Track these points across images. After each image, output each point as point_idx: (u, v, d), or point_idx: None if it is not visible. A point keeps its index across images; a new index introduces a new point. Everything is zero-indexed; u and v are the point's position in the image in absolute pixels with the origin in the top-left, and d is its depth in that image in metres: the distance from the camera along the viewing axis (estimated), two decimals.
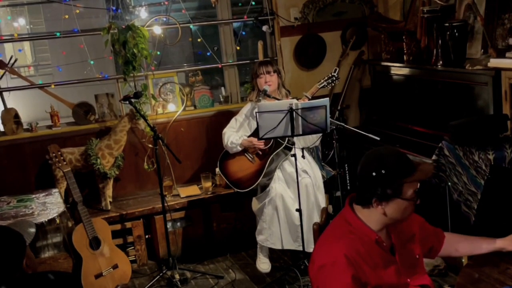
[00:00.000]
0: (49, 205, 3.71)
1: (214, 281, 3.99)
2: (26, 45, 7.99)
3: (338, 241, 2.02)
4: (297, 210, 3.69)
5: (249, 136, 4.03)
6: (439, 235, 2.33)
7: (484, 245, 2.27)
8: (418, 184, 2.03)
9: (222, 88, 5.04)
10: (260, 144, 3.93)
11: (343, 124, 3.84)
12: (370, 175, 1.98)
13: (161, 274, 4.00)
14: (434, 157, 3.54)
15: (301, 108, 3.51)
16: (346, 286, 1.93)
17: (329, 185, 4.24)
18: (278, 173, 3.94)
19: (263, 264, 3.95)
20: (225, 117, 4.50)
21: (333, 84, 4.06)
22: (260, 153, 3.99)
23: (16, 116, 4.33)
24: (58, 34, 4.34)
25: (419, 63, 4.31)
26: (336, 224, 2.14)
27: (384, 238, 2.09)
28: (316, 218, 3.74)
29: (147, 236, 4.36)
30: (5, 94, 4.37)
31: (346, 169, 3.97)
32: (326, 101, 3.55)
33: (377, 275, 2.02)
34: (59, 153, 3.81)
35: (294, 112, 3.49)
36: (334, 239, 2.05)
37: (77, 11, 4.37)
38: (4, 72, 4.34)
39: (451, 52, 3.87)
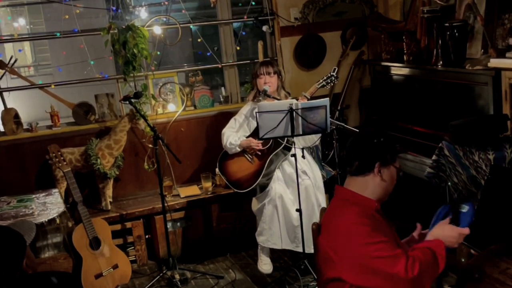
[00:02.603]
0: (49, 205, 3.71)
1: (214, 281, 3.99)
2: (26, 45, 8.01)
3: (344, 212, 2.10)
4: (297, 210, 3.68)
5: (248, 136, 4.03)
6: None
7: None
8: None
9: (222, 88, 5.04)
10: (258, 146, 3.93)
11: (343, 124, 3.84)
12: (372, 142, 2.17)
13: (161, 274, 4.00)
14: (434, 157, 3.54)
15: (301, 108, 3.51)
16: (369, 235, 1.98)
17: (329, 185, 4.23)
18: (277, 173, 3.93)
19: (265, 265, 3.94)
20: (225, 117, 4.49)
21: (332, 84, 4.05)
22: (259, 153, 3.99)
23: (16, 116, 4.33)
24: (58, 34, 4.34)
25: (419, 63, 4.31)
26: (334, 204, 2.20)
27: None
28: (316, 219, 3.74)
29: (147, 236, 4.36)
30: (5, 94, 4.37)
31: None
32: (326, 101, 3.54)
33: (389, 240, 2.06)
34: (59, 153, 3.81)
35: (294, 112, 3.49)
36: (339, 213, 2.12)
37: (77, 11, 4.38)
38: (4, 72, 4.33)
39: (451, 52, 3.87)
